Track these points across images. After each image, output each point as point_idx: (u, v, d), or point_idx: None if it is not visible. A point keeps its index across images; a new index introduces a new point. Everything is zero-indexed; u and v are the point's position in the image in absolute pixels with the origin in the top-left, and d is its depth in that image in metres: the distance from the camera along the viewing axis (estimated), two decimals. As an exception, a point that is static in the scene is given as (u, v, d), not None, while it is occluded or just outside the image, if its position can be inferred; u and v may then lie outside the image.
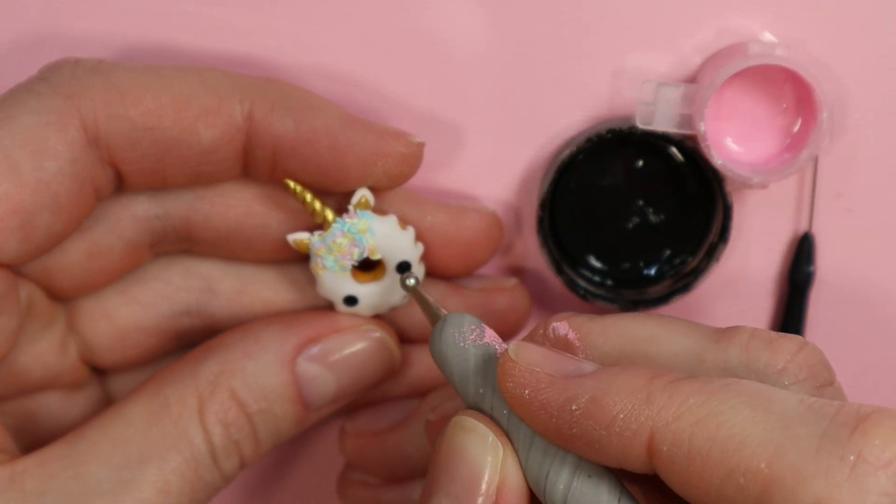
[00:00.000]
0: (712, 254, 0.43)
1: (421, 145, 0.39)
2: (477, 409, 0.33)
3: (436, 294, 0.41)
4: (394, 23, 0.42)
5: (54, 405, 0.40)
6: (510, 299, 0.42)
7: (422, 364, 0.42)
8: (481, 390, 0.33)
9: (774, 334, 0.33)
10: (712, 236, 0.43)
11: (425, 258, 0.40)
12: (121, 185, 0.38)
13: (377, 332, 0.40)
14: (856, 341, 0.45)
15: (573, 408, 0.30)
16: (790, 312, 0.45)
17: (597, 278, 0.44)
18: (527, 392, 0.31)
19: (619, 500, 0.31)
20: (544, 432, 0.31)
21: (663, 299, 0.43)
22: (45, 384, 0.39)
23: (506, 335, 0.42)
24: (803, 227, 0.44)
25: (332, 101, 0.38)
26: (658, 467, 0.29)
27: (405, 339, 0.42)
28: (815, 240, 0.44)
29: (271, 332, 0.38)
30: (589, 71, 0.43)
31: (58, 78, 0.36)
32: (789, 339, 0.33)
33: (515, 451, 0.33)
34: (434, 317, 0.35)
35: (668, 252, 0.44)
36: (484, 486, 0.32)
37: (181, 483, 0.35)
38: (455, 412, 0.36)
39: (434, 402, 0.39)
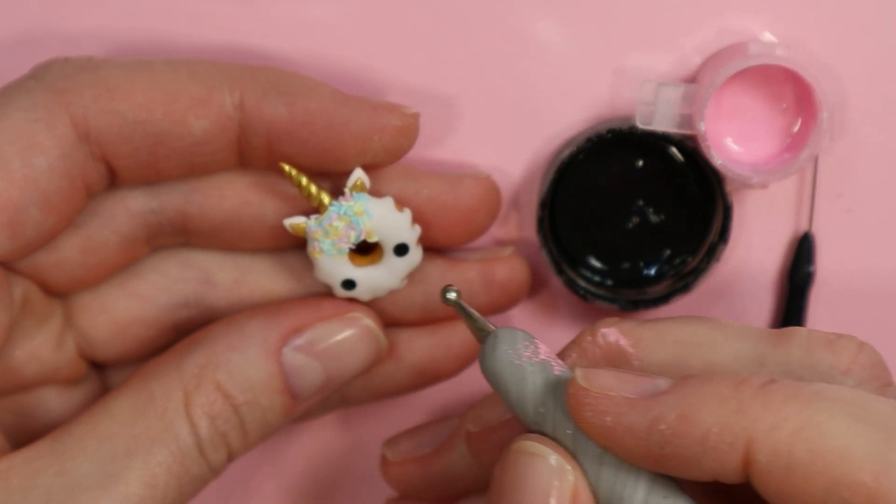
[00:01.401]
0: (712, 254, 0.43)
1: (416, 116, 0.39)
2: (537, 429, 0.32)
3: (434, 270, 0.41)
4: (393, 22, 0.42)
5: (52, 400, 0.40)
6: (509, 268, 0.42)
7: (422, 349, 0.42)
8: (541, 409, 0.31)
9: (832, 335, 0.32)
10: (712, 236, 0.43)
11: (426, 231, 0.40)
12: (114, 180, 0.38)
13: (362, 319, 0.40)
14: (856, 341, 0.45)
15: (662, 427, 0.29)
16: (790, 312, 0.45)
17: (597, 278, 0.44)
18: (608, 419, 0.30)
19: None
20: (632, 457, 0.30)
21: (663, 299, 0.43)
22: (42, 380, 0.39)
23: (507, 305, 0.42)
24: (803, 227, 0.44)
25: (322, 82, 0.38)
26: (754, 479, 0.28)
27: (402, 322, 0.42)
28: (815, 240, 0.44)
29: (256, 323, 0.38)
30: (589, 71, 0.43)
31: (48, 76, 0.36)
32: (849, 339, 0.32)
33: (584, 472, 0.31)
34: (481, 332, 0.33)
35: (668, 252, 0.44)
36: None
37: (167, 476, 0.35)
38: (499, 422, 0.36)
39: (478, 413, 0.38)
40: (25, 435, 0.38)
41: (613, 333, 0.34)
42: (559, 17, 0.42)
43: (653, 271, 0.44)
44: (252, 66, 0.38)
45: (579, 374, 0.31)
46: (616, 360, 0.34)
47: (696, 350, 0.33)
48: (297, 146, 0.38)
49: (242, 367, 0.37)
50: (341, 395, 0.42)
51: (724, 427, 0.28)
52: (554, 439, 0.31)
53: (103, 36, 0.42)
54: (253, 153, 0.38)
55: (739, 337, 0.33)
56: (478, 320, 0.34)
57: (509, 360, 0.32)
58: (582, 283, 0.44)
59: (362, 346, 0.40)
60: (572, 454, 0.31)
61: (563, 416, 0.31)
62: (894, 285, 0.45)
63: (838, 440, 0.28)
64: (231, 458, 0.37)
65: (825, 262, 0.44)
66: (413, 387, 0.42)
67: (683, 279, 0.44)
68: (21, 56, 0.42)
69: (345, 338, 0.39)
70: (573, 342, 0.35)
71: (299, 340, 0.38)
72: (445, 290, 0.34)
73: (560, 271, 0.43)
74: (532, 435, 0.32)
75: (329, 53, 0.43)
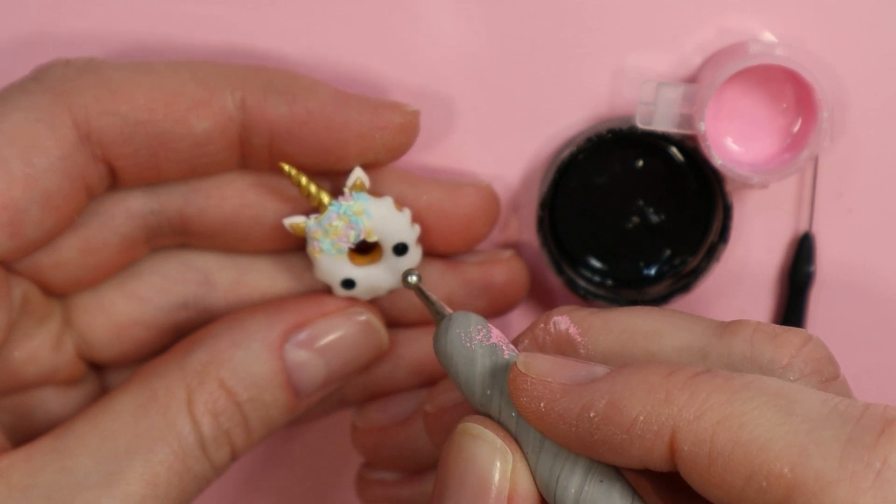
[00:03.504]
0: (712, 254, 0.43)
1: (416, 113, 0.39)
2: (483, 411, 0.33)
3: (433, 272, 0.41)
4: (392, 22, 0.42)
5: (50, 401, 0.40)
6: (508, 271, 0.42)
7: (421, 348, 0.42)
8: (488, 392, 0.32)
9: (779, 328, 0.32)
10: (712, 236, 0.43)
11: (425, 237, 0.40)
12: (115, 181, 0.38)
13: (364, 315, 0.40)
14: (856, 341, 0.45)
15: (591, 415, 0.30)
16: (790, 312, 0.45)
17: (597, 278, 0.44)
18: (542, 405, 0.31)
19: None
20: (565, 442, 0.31)
21: (663, 299, 0.43)
22: (41, 380, 0.39)
23: (506, 308, 0.43)
24: (803, 227, 0.44)
25: (322, 81, 0.38)
26: (679, 466, 0.29)
27: (402, 322, 0.42)
28: (815, 239, 0.44)
29: (258, 320, 0.38)
30: (589, 71, 0.43)
31: (49, 77, 0.36)
32: (794, 333, 0.32)
33: (525, 455, 0.32)
34: (438, 315, 0.34)
35: (668, 252, 0.44)
36: (494, 494, 0.31)
37: (169, 475, 0.35)
38: (453, 404, 0.36)
39: (435, 395, 0.38)
40: (24, 435, 0.38)
41: (564, 321, 0.34)
42: (559, 16, 0.42)
43: (653, 271, 0.44)
44: (252, 67, 0.38)
45: (520, 359, 0.31)
46: (564, 348, 0.34)
47: (640, 340, 0.33)
48: (299, 146, 0.38)
49: (245, 363, 0.37)
50: (340, 395, 0.42)
51: (650, 415, 0.29)
52: (499, 422, 0.32)
53: (104, 38, 0.42)
54: (254, 154, 0.38)
55: (685, 328, 0.33)
56: (435, 303, 0.35)
57: (461, 342, 0.33)
58: (582, 283, 0.44)
59: (364, 342, 0.40)
60: (514, 438, 0.32)
61: (508, 400, 0.32)
62: (894, 285, 0.45)
63: (759, 431, 0.28)
64: (234, 456, 0.37)
65: (825, 262, 0.44)
66: (411, 386, 0.42)
67: (683, 279, 0.44)
68: (23, 58, 0.42)
69: (346, 333, 0.39)
70: (528, 329, 0.35)
71: (301, 336, 0.38)
72: (407, 274, 0.35)
73: (560, 271, 0.43)
74: (476, 417, 0.32)
75: (327, 55, 0.43)
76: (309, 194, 0.38)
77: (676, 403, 0.29)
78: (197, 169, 0.38)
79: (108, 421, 0.36)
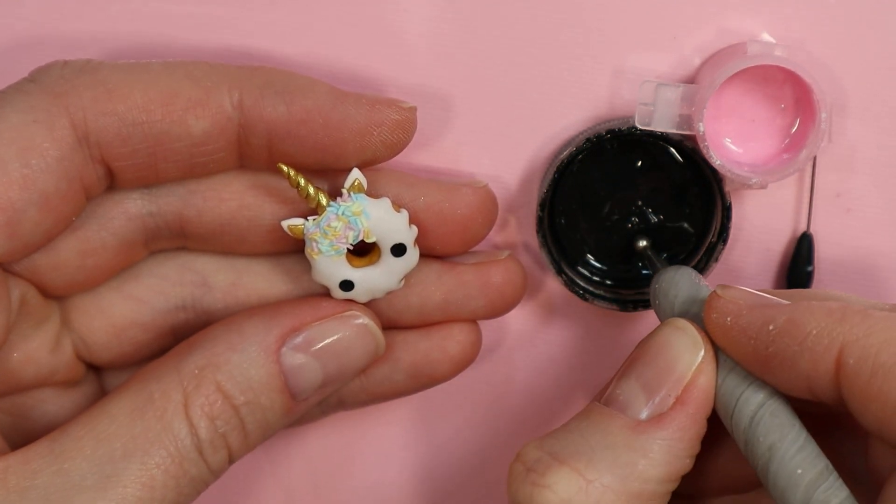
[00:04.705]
0: (711, 254, 0.43)
1: (413, 109, 0.39)
2: None
3: (430, 273, 0.41)
4: (389, 21, 0.42)
5: (49, 402, 0.40)
6: (505, 271, 0.42)
7: (418, 350, 0.42)
8: (701, 315, 0.36)
9: None
10: (712, 236, 0.43)
11: (422, 238, 0.40)
12: (113, 182, 0.38)
13: (360, 318, 0.40)
14: (854, 341, 0.45)
15: (770, 328, 0.34)
16: (789, 312, 0.45)
17: (596, 278, 0.44)
18: (728, 319, 0.35)
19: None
20: (741, 356, 0.35)
21: (663, 299, 0.43)
22: (39, 382, 0.39)
23: (504, 309, 0.43)
24: (802, 227, 0.44)
25: (319, 80, 0.38)
26: (842, 382, 0.32)
27: (400, 324, 0.42)
28: (813, 239, 0.44)
29: (254, 324, 0.38)
30: (589, 71, 0.43)
31: (46, 78, 0.36)
32: None
33: (715, 364, 0.36)
34: (663, 264, 0.41)
35: (667, 252, 0.44)
36: (675, 377, 0.36)
37: (165, 478, 0.35)
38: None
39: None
40: (22, 436, 0.38)
41: None
42: (559, 17, 0.42)
43: (652, 271, 0.44)
44: (249, 67, 0.38)
45: (719, 286, 0.36)
46: None
47: None
48: (297, 144, 0.38)
49: (242, 367, 0.37)
50: (338, 398, 0.42)
51: (823, 330, 0.33)
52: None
53: (102, 40, 0.43)
54: (253, 153, 0.38)
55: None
56: (661, 259, 0.42)
57: (691, 277, 0.39)
58: (581, 282, 0.44)
59: (360, 345, 0.40)
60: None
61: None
62: (893, 285, 0.45)
63: None
64: (231, 459, 0.37)
65: (824, 262, 0.44)
66: (409, 389, 0.42)
67: (682, 279, 0.44)
68: (20, 60, 0.42)
69: (343, 336, 0.39)
70: None
71: (298, 340, 0.38)
72: (640, 237, 0.43)
73: (560, 271, 0.43)
74: (687, 319, 0.37)
75: (324, 54, 0.43)
76: (307, 195, 0.38)
77: (849, 323, 0.33)
78: (195, 169, 0.38)
79: (105, 424, 0.36)
